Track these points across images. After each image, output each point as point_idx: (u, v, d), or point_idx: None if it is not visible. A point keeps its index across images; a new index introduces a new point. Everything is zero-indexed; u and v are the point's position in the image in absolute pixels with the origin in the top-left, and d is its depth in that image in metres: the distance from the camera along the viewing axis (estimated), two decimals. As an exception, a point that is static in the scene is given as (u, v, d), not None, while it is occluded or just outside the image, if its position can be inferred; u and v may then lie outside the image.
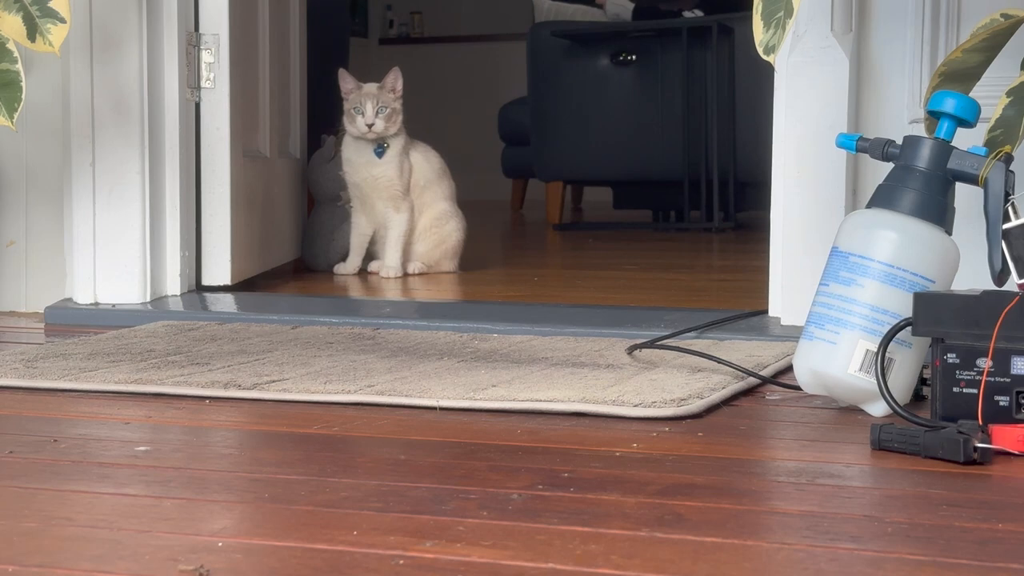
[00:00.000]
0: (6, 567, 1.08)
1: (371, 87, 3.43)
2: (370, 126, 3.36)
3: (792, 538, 1.19)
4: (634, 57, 5.52)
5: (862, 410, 1.75)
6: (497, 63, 8.89)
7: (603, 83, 5.48)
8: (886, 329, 1.70)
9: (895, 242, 1.73)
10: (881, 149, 1.81)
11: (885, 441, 1.53)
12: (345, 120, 3.42)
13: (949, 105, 1.77)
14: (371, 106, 3.36)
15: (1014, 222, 1.70)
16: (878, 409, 1.73)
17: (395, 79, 3.45)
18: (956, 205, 1.80)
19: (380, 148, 3.41)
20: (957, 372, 1.63)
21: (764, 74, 2.61)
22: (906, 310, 1.70)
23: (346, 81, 3.43)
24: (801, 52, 2.38)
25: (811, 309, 1.78)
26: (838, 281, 1.75)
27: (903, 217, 1.75)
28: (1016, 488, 1.37)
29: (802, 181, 2.38)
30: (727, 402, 1.83)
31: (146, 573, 1.07)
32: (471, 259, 3.53)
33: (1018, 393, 1.59)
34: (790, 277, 2.34)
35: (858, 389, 1.72)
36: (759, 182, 4.72)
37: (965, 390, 1.63)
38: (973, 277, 1.88)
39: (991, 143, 1.95)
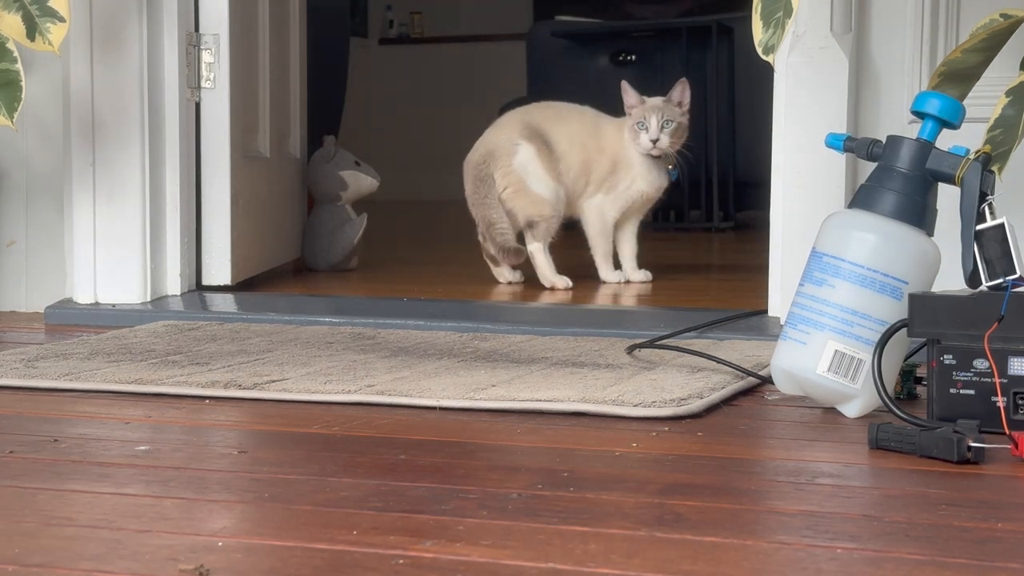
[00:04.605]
0: (6, 567, 1.08)
1: (656, 100, 3.14)
2: (654, 142, 3.09)
3: (791, 537, 1.19)
4: (634, 57, 5.53)
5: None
6: (497, 63, 8.89)
7: (603, 83, 5.49)
8: (856, 330, 1.70)
9: (868, 243, 1.72)
10: (866, 149, 1.80)
11: (882, 440, 1.53)
12: (628, 135, 3.14)
13: (932, 106, 1.77)
14: (656, 120, 3.09)
15: (987, 223, 1.70)
16: (851, 409, 1.73)
17: (682, 91, 3.15)
18: (948, 206, 1.79)
19: (675, 172, 3.20)
20: (954, 373, 1.63)
21: (764, 74, 2.61)
22: (877, 311, 1.70)
23: (629, 95, 3.15)
24: (800, 52, 2.38)
25: (789, 309, 1.79)
26: (812, 281, 1.75)
27: (879, 218, 1.74)
28: (1014, 488, 1.37)
29: (802, 181, 2.38)
30: (727, 402, 1.83)
31: (146, 573, 1.07)
32: (468, 259, 3.53)
33: (1016, 394, 1.59)
34: (790, 277, 2.34)
35: (829, 390, 1.72)
36: (759, 182, 4.72)
37: (962, 391, 1.63)
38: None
39: (991, 143, 1.95)
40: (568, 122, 3.20)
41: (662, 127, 3.10)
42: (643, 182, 3.17)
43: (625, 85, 3.20)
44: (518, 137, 3.14)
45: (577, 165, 3.16)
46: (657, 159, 3.16)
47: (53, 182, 2.84)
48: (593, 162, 3.17)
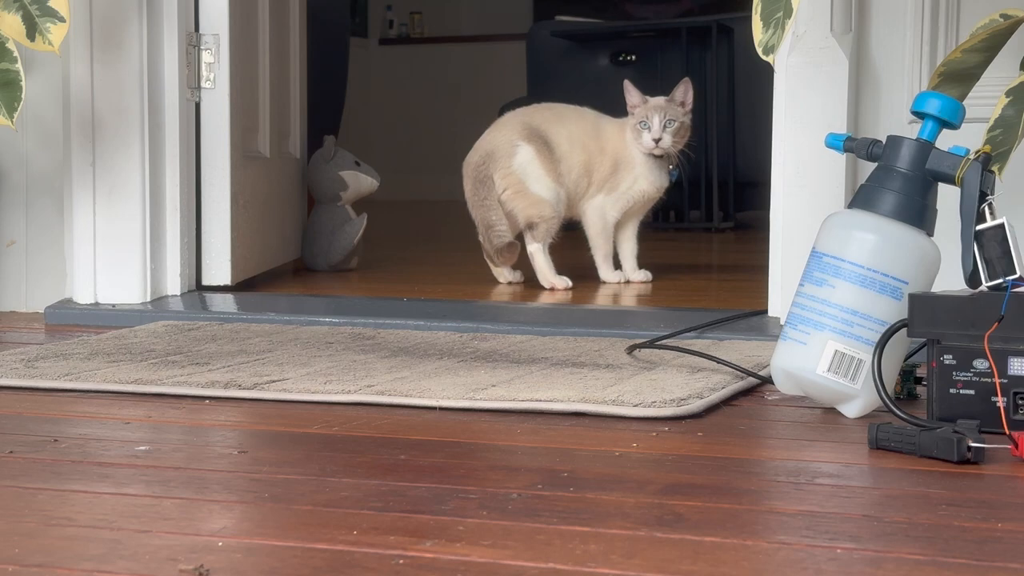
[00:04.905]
0: (6, 567, 1.08)
1: (659, 100, 3.15)
2: (657, 141, 3.09)
3: (791, 537, 1.19)
4: (634, 57, 5.53)
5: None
6: (497, 63, 8.89)
7: (603, 83, 5.49)
8: (856, 330, 1.70)
9: (869, 243, 1.72)
10: (866, 149, 1.80)
11: (882, 440, 1.53)
12: (630, 135, 3.15)
13: (932, 106, 1.77)
14: (659, 120, 3.09)
15: (987, 224, 1.70)
16: (851, 409, 1.73)
17: (686, 91, 3.16)
18: (948, 206, 1.79)
19: (675, 172, 3.20)
20: (954, 373, 1.63)
21: (764, 74, 2.61)
22: (877, 311, 1.70)
23: (631, 94, 3.17)
24: (800, 52, 2.38)
25: (789, 310, 1.79)
26: (812, 282, 1.75)
27: (879, 218, 1.74)
28: (1015, 488, 1.37)
29: (802, 181, 2.38)
30: (727, 402, 1.83)
31: (146, 573, 1.07)
32: (468, 258, 3.53)
33: (1016, 394, 1.59)
34: (790, 277, 2.34)
35: (829, 390, 1.72)
36: (759, 182, 4.72)
37: (962, 391, 1.63)
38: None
39: (991, 143, 1.95)
40: (568, 123, 3.19)
41: (665, 126, 3.10)
42: (645, 182, 3.16)
43: (628, 84, 3.20)
44: (518, 138, 3.14)
45: (578, 166, 3.16)
46: (659, 159, 3.16)
47: (53, 182, 2.84)
48: (594, 163, 3.17)
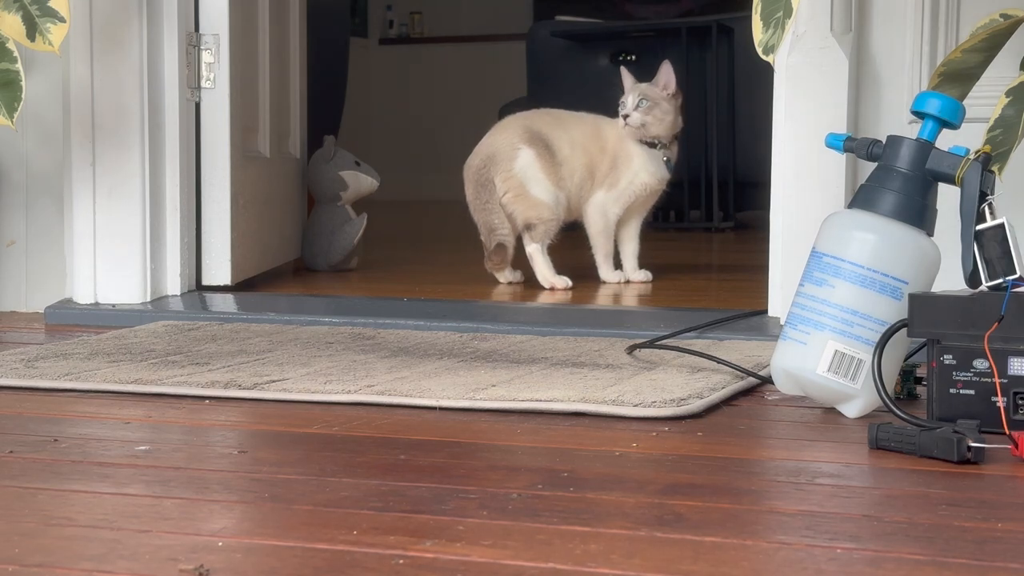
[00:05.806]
0: (6, 567, 1.08)
1: (642, 84, 3.18)
2: (625, 117, 3.11)
3: (791, 537, 1.19)
4: (634, 57, 5.53)
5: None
6: (497, 63, 8.89)
7: (603, 83, 5.49)
8: (856, 330, 1.70)
9: (868, 243, 1.72)
10: (866, 149, 1.80)
11: (882, 440, 1.53)
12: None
13: (932, 106, 1.77)
14: (632, 99, 3.12)
15: (987, 223, 1.69)
16: (851, 409, 1.72)
17: (666, 74, 3.16)
18: (948, 206, 1.79)
19: (670, 163, 3.19)
20: (954, 373, 1.63)
21: (764, 74, 2.61)
22: (877, 311, 1.70)
23: (626, 80, 3.21)
24: (800, 52, 2.38)
25: (789, 309, 1.79)
26: (812, 282, 1.75)
27: (879, 218, 1.74)
28: (1015, 488, 1.37)
29: (802, 181, 2.38)
30: (727, 402, 1.83)
31: (146, 573, 1.07)
32: (468, 258, 3.53)
33: (1016, 394, 1.59)
34: (790, 277, 2.34)
35: (829, 390, 1.72)
36: (759, 182, 4.72)
37: (962, 391, 1.63)
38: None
39: (991, 143, 1.95)
40: (570, 128, 3.20)
41: (637, 105, 3.11)
42: (645, 173, 3.16)
43: (624, 71, 3.23)
44: (519, 141, 3.14)
45: (581, 169, 3.16)
46: (653, 148, 3.16)
47: (53, 182, 2.84)
48: (596, 163, 3.17)
